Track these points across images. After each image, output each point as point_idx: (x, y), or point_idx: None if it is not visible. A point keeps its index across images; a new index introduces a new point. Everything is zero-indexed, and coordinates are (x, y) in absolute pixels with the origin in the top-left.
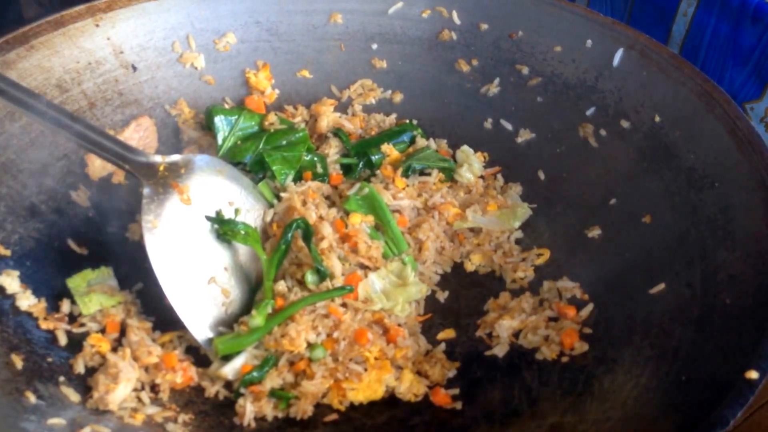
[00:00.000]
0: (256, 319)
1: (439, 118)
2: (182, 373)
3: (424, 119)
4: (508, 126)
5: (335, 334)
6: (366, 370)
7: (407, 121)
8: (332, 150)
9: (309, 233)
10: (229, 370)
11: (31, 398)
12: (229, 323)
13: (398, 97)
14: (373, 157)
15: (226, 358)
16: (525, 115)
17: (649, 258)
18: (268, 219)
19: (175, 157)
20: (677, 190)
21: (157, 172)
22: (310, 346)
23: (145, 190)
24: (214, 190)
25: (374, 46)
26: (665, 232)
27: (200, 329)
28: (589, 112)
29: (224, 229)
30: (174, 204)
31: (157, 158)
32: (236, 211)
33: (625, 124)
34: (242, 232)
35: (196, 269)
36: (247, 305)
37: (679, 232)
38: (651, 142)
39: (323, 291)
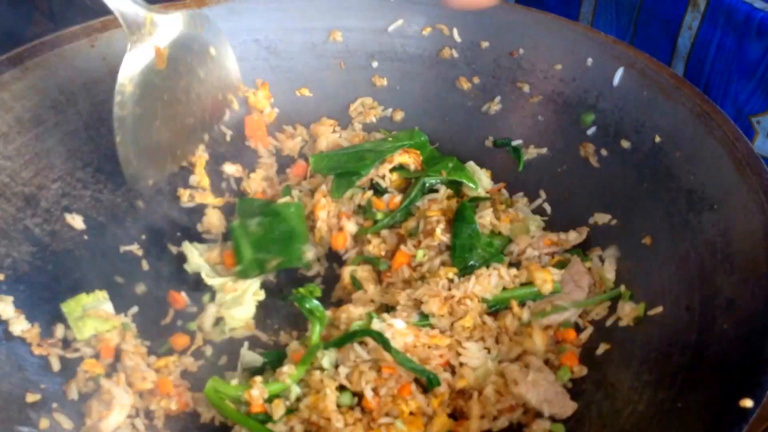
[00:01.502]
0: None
1: (440, 136)
2: (177, 399)
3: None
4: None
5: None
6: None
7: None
8: None
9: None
10: None
11: (23, 426)
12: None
13: (399, 115)
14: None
15: None
16: (526, 133)
17: (648, 280)
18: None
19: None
20: (677, 212)
21: (143, 27)
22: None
23: (130, 46)
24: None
25: (375, 64)
26: (665, 255)
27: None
28: (590, 131)
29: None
30: (150, 66)
31: (147, 12)
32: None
33: (625, 144)
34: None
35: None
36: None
37: (678, 254)
38: (651, 163)
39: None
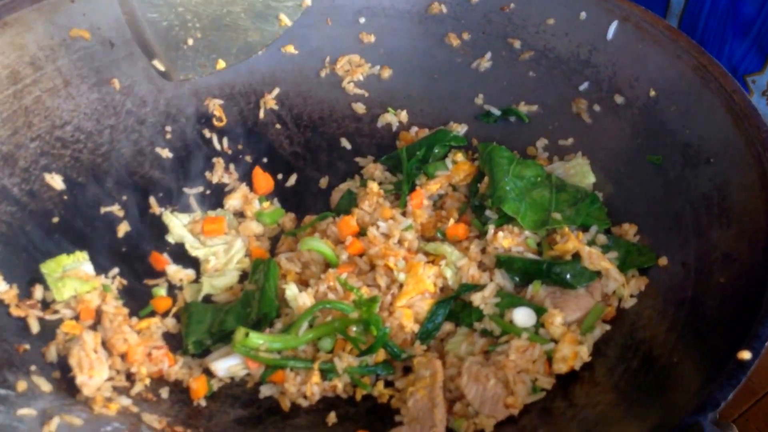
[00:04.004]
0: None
1: (429, 93)
2: (158, 361)
3: (414, 95)
4: (496, 112)
5: None
6: None
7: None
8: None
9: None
10: (220, 367)
11: (0, 388)
12: None
13: (387, 73)
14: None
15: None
16: (517, 90)
17: (642, 237)
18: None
19: None
20: (672, 167)
21: None
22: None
23: None
24: None
25: (362, 20)
26: (660, 211)
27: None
28: (583, 87)
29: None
30: None
31: None
32: None
33: (619, 99)
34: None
35: None
36: None
37: (673, 210)
38: (645, 118)
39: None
